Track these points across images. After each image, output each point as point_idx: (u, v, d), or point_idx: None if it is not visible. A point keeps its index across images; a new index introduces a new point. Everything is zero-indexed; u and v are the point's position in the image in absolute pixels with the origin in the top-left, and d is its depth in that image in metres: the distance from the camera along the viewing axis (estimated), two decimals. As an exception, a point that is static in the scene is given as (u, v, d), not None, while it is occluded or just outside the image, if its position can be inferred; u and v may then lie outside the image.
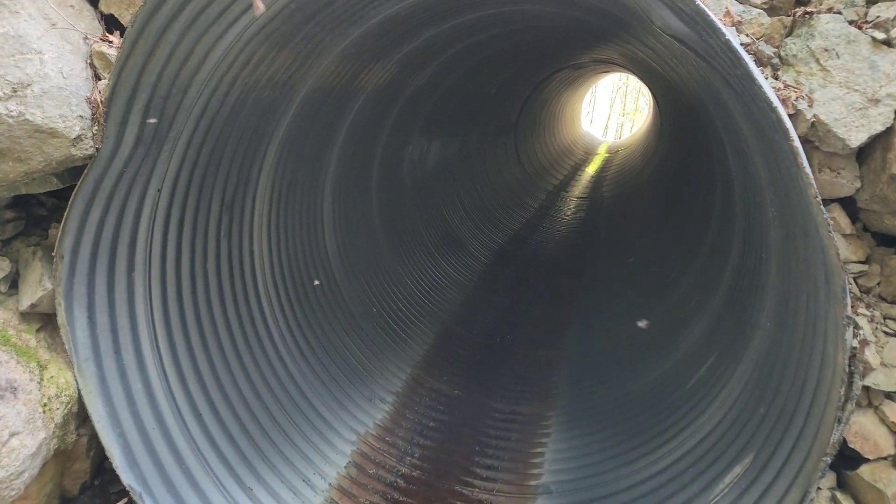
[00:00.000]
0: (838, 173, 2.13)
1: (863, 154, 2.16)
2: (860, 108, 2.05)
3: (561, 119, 13.68)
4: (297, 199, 3.90)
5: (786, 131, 1.52)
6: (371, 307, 4.57)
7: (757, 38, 2.31)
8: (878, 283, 2.05)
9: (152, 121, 2.14)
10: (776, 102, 1.53)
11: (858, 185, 2.14)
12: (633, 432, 3.14)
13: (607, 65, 10.62)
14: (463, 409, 3.96)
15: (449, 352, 4.71)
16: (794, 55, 2.20)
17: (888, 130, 2.04)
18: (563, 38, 6.94)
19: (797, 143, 1.53)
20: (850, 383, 1.66)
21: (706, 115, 3.62)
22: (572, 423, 3.61)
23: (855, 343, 1.60)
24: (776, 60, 2.22)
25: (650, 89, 10.41)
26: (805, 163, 1.53)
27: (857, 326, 1.81)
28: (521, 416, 3.87)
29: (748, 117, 2.11)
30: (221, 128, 2.69)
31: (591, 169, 13.25)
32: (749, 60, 1.55)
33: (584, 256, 7.46)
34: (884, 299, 2.01)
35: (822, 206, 1.54)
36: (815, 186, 1.54)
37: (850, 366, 1.62)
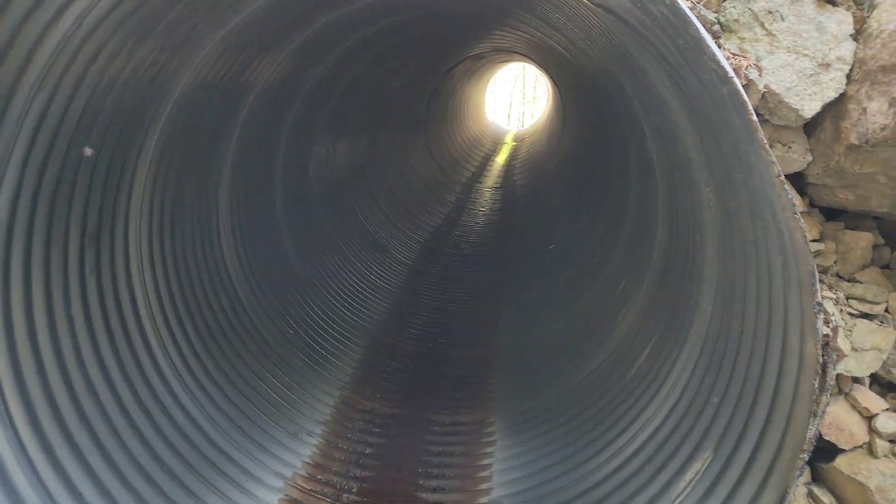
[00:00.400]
0: (789, 147, 1.99)
1: (810, 126, 2.03)
2: (811, 75, 1.91)
3: (467, 111, 13.64)
4: (187, 217, 3.39)
5: (742, 105, 1.32)
6: (287, 329, 4.12)
7: (696, 3, 2.13)
8: (836, 262, 1.94)
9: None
10: (730, 73, 1.32)
11: (810, 158, 2.01)
12: (579, 431, 2.95)
13: (508, 54, 10.64)
14: (401, 428, 3.63)
15: (380, 366, 4.35)
16: (736, 20, 2.03)
17: (840, 97, 1.91)
18: (464, 25, 6.73)
19: (755, 118, 1.33)
20: (824, 373, 1.50)
21: (620, 96, 3.48)
22: (515, 426, 3.38)
23: (826, 330, 1.44)
24: (717, 27, 2.05)
25: (551, 76, 10.48)
26: (765, 139, 1.33)
27: (826, 313, 1.66)
28: (463, 427, 3.59)
29: (680, 94, 1.92)
30: (70, 140, 2.19)
31: (500, 159, 13.32)
32: (699, 26, 1.33)
33: (506, 248, 7.33)
34: (843, 278, 1.90)
35: (785, 186, 1.35)
36: (777, 164, 1.35)
37: (823, 355, 1.45)
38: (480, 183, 11.01)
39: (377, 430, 3.57)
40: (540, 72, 11.88)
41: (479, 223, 8.78)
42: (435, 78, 9.78)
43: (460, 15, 5.30)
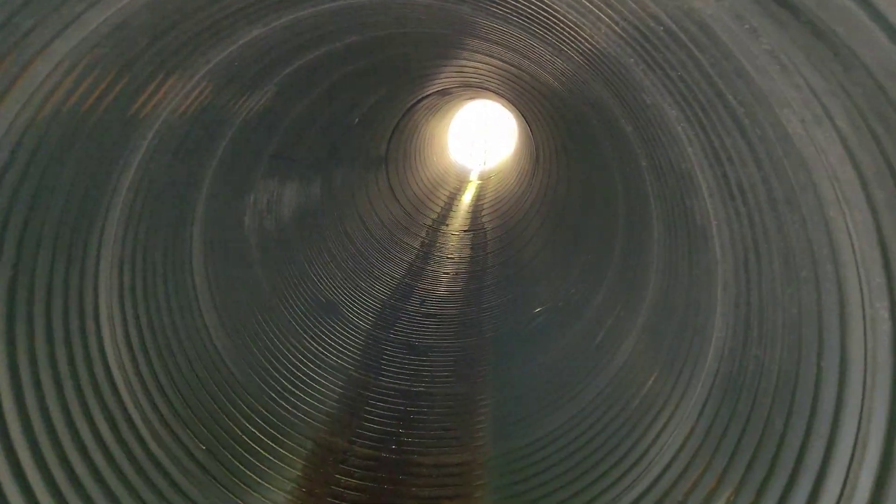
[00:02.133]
0: None
1: None
2: None
3: (430, 149, 13.03)
4: (41, 305, 2.34)
5: None
6: (196, 439, 3.05)
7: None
8: None
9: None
10: None
11: None
12: None
13: (476, 90, 10.06)
14: None
15: (325, 485, 3.31)
16: None
17: None
18: (428, 50, 5.95)
19: None
20: None
21: (654, 143, 2.64)
22: None
23: None
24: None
25: (522, 112, 9.86)
26: None
27: None
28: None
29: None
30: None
31: (466, 198, 12.69)
32: None
33: (481, 304, 6.42)
34: None
35: None
36: None
37: None
38: (447, 225, 10.25)
39: None
40: (507, 109, 11.31)
41: (447, 273, 7.91)
42: (398, 113, 9.08)
43: (423, 35, 4.48)
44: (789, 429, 1.68)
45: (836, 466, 1.46)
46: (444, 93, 10.14)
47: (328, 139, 6.11)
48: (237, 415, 3.41)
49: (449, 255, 8.72)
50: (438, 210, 10.93)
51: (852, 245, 1.25)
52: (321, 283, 5.61)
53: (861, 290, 1.27)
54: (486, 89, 9.25)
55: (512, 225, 9.23)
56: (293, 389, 3.93)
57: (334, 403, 4.05)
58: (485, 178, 13.91)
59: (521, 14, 2.66)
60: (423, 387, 4.53)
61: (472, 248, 9.02)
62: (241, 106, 3.53)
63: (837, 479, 1.45)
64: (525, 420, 3.64)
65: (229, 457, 3.14)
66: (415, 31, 3.89)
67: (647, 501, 2.33)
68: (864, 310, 1.28)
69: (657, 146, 2.47)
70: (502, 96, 9.45)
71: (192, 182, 3.42)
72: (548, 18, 2.45)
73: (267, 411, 3.59)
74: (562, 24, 2.36)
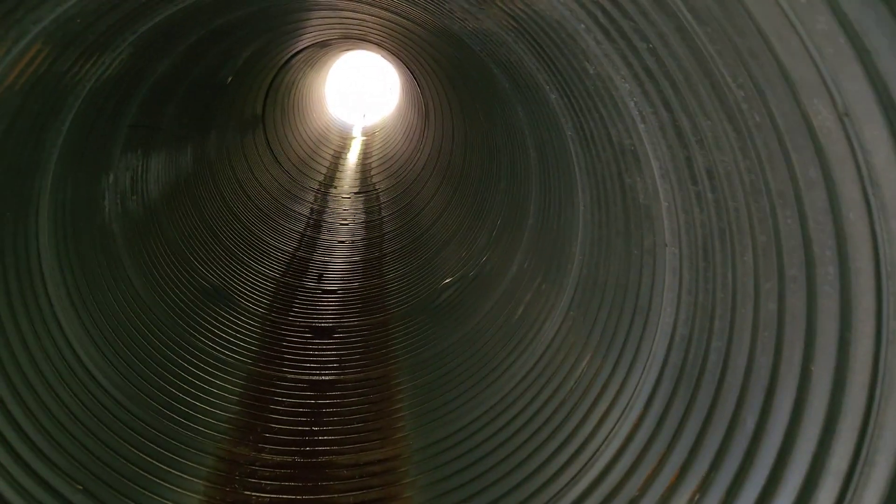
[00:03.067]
0: None
1: None
2: None
3: (310, 104, 12.23)
4: None
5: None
6: (71, 480, 2.54)
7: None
8: None
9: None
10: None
11: None
12: None
13: (357, 41, 9.42)
14: None
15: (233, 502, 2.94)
16: None
17: None
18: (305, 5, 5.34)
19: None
20: None
21: (582, 114, 2.45)
22: None
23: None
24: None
25: (410, 69, 9.41)
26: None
27: None
28: None
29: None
30: None
31: (352, 156, 12.14)
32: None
33: (384, 274, 6.13)
34: None
35: None
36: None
37: None
38: (335, 188, 9.72)
39: None
40: (389, 61, 10.76)
41: (343, 242, 7.50)
42: (272, 70, 8.30)
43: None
44: (765, 430, 1.61)
45: (828, 478, 1.39)
46: (322, 45, 9.42)
47: (197, 102, 5.35)
48: (118, 439, 2.91)
49: (342, 221, 8.29)
50: (324, 171, 10.35)
51: (876, 253, 1.13)
52: (204, 267, 5.00)
53: (881, 300, 1.17)
54: (367, 41, 8.69)
55: (406, 185, 8.93)
56: (183, 398, 3.45)
57: (234, 407, 3.62)
58: (369, 134, 13.34)
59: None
60: (333, 374, 4.21)
61: (366, 213, 8.64)
62: (88, 71, 2.85)
63: (830, 492, 1.39)
64: (448, 405, 3.48)
65: (114, 492, 2.67)
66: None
67: (597, 495, 2.26)
68: (882, 322, 1.18)
69: (591, 117, 2.28)
70: (385, 48, 8.93)
71: (34, 164, 2.74)
72: None
73: (155, 429, 3.10)
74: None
